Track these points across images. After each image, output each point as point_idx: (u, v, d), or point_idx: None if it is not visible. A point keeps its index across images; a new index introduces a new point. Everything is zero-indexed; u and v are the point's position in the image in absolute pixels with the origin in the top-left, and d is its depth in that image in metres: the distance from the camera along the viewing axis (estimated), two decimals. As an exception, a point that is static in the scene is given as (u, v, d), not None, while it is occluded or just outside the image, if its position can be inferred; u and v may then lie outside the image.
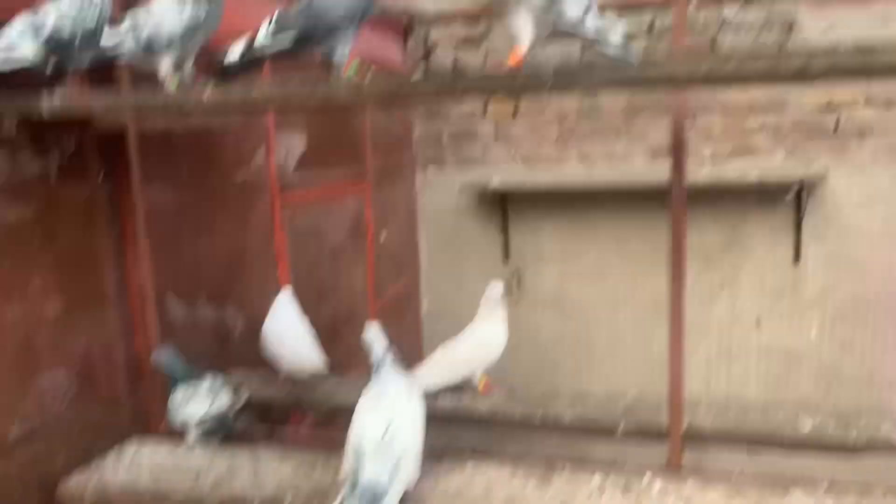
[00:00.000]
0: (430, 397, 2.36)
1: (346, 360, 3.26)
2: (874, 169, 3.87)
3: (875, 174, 3.87)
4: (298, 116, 3.21)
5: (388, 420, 1.68)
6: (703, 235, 4.07)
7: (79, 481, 1.92)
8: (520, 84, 1.59)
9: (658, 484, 1.72)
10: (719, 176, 3.97)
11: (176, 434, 2.29)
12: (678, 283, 1.83)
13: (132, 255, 2.26)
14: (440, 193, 4.56)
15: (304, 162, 3.26)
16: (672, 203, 1.82)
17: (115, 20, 1.82)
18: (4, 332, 1.88)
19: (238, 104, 1.87)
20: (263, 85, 1.91)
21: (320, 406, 2.47)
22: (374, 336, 1.84)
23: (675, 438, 1.82)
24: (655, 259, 4.32)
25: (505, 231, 4.46)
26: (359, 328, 3.77)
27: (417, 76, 1.62)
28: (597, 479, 1.77)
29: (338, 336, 3.37)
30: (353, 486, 1.59)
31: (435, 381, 2.37)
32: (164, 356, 2.19)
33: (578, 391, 2.41)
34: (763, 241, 4.07)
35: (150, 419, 2.35)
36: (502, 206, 4.42)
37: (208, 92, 1.73)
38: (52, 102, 1.78)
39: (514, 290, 4.45)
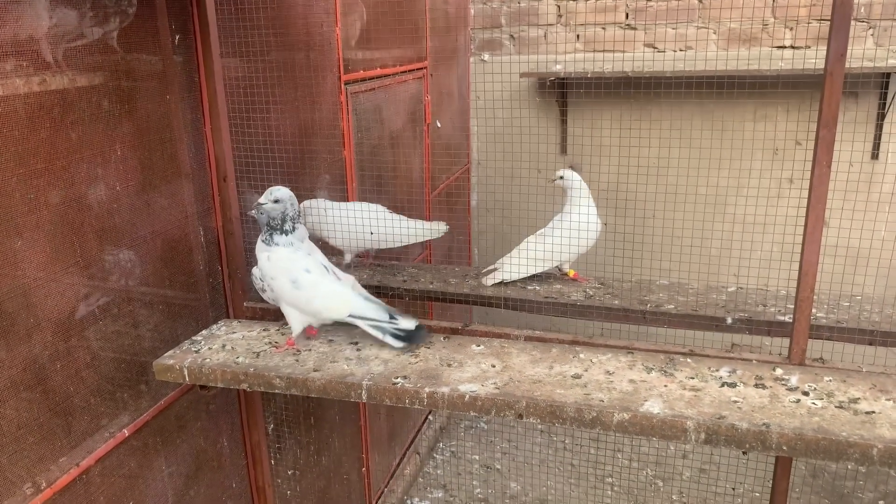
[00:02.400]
0: (519, 284, 2.28)
1: (403, 253, 3.17)
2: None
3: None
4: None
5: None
6: (771, 127, 3.86)
7: (175, 358, 1.85)
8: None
9: (794, 378, 1.63)
10: (798, 63, 3.72)
11: (259, 315, 2.22)
12: (823, 170, 1.66)
13: (212, 127, 2.10)
14: (495, 80, 4.31)
15: (367, 38, 3.04)
16: (827, 77, 1.62)
17: None
18: (84, 205, 1.76)
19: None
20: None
21: (400, 291, 2.39)
22: (290, 196, 1.96)
23: (801, 331, 1.72)
24: (719, 153, 4.15)
25: (563, 121, 4.25)
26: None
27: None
28: (724, 371, 1.68)
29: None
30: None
31: (526, 268, 2.27)
32: None
33: (673, 283, 2.31)
34: (841, 134, 3.84)
35: (229, 301, 2.28)
36: (562, 94, 4.18)
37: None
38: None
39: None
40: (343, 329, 1.98)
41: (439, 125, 3.85)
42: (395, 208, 3.37)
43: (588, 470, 3.86)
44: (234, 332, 2.01)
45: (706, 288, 2.22)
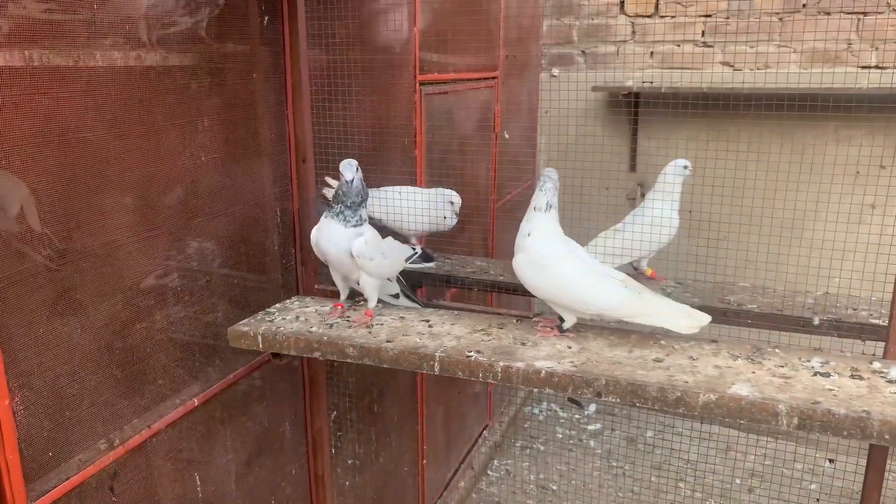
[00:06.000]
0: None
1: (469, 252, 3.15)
2: None
3: None
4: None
5: None
6: (854, 149, 3.71)
7: (249, 326, 1.87)
8: None
9: (894, 370, 1.53)
10: (884, 83, 3.59)
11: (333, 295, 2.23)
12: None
13: (294, 110, 2.14)
14: (565, 94, 4.29)
15: (443, 42, 3.07)
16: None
17: None
18: (170, 173, 1.80)
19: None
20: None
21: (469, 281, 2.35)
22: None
23: (898, 328, 1.62)
24: (797, 174, 4.01)
25: (633, 138, 4.19)
26: (478, 225, 3.61)
27: None
28: (815, 361, 1.59)
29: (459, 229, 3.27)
30: None
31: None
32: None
33: (755, 285, 2.21)
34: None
35: (300, 282, 2.29)
36: (633, 110, 4.13)
37: None
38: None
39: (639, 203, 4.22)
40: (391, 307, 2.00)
41: (507, 136, 3.84)
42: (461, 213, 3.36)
43: (649, 498, 3.71)
44: (307, 307, 2.02)
45: (791, 291, 2.12)
